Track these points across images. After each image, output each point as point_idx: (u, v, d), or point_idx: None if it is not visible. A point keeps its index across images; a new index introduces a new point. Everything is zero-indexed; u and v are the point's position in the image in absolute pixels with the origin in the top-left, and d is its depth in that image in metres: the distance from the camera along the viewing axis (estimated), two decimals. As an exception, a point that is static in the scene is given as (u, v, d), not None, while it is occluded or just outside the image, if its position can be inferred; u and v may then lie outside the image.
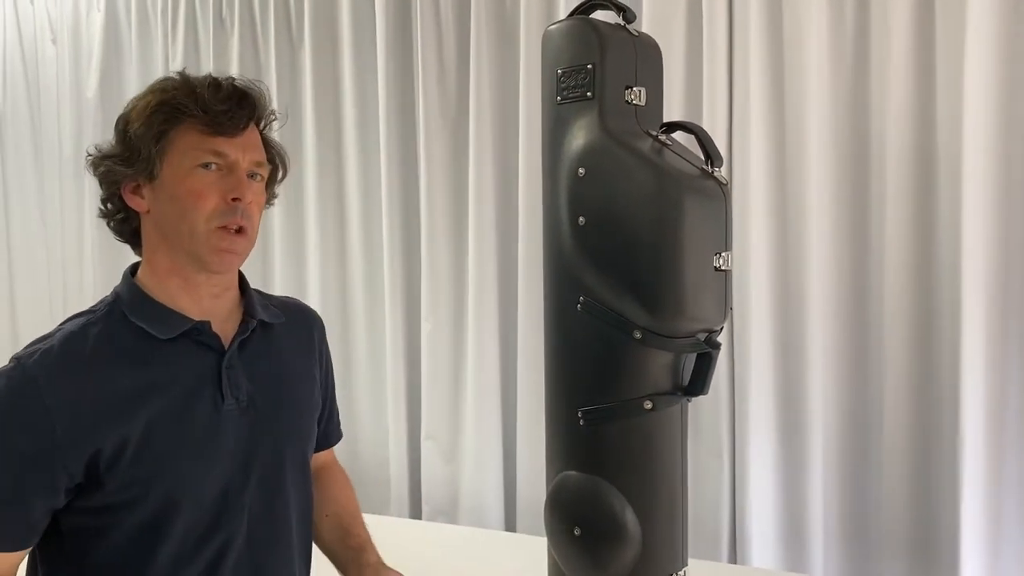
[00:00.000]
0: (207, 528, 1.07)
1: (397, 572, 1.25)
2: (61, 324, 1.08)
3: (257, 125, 1.14)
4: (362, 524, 1.36)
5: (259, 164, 1.12)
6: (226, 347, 1.11)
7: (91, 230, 3.26)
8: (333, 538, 1.32)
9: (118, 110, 1.13)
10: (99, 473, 1.01)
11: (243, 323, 1.14)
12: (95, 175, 1.10)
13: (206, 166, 1.06)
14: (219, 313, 1.12)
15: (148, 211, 1.08)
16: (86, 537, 1.04)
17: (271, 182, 1.18)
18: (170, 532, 1.04)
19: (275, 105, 1.18)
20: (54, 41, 3.36)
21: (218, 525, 1.08)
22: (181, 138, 1.06)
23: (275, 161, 1.18)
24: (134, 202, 1.09)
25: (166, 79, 1.10)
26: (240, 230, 1.08)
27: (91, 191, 3.04)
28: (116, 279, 1.15)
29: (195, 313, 1.09)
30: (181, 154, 1.06)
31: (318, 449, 1.33)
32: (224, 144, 1.07)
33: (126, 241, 1.14)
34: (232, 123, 1.07)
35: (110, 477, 1.01)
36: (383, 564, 1.27)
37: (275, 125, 1.19)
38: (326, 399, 1.33)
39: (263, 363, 1.15)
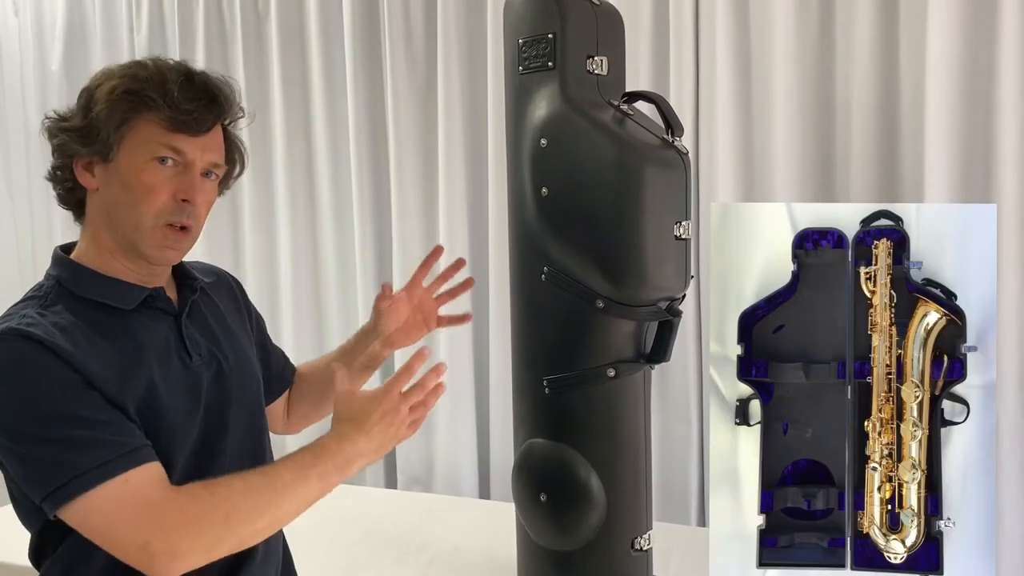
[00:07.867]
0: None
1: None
2: (6, 315, 1.05)
3: (222, 124, 1.15)
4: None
5: (216, 165, 1.13)
6: (176, 310, 1.14)
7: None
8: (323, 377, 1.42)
9: (83, 82, 1.12)
10: None
11: (187, 287, 1.18)
12: (49, 141, 1.12)
13: (162, 160, 1.06)
14: (159, 281, 1.14)
15: (97, 189, 1.09)
16: None
17: (226, 178, 1.19)
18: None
19: (244, 103, 1.17)
20: (16, 13, 3.29)
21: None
22: (142, 128, 1.06)
23: (233, 160, 1.19)
24: (84, 178, 1.09)
25: (139, 64, 1.09)
26: (184, 228, 1.09)
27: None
28: None
29: (141, 283, 1.11)
30: (140, 144, 1.06)
31: (285, 387, 1.43)
32: (184, 142, 1.07)
33: (69, 209, 1.15)
34: (196, 123, 1.07)
35: None
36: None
37: (242, 123, 1.18)
38: (264, 345, 1.38)
39: (209, 320, 1.20)
